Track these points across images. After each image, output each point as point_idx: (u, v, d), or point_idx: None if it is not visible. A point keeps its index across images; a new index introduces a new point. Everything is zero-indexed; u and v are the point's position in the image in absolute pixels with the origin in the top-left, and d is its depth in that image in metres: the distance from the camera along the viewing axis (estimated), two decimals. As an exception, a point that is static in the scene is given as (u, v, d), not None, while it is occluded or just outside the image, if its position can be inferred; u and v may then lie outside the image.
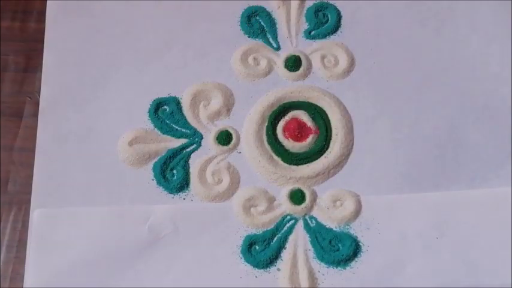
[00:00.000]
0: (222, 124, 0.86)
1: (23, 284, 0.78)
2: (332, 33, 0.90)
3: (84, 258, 0.78)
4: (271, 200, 0.81)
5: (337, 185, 0.83)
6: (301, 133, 0.85)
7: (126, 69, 0.88)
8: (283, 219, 0.81)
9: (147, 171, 0.83)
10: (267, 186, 0.82)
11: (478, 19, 0.90)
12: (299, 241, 0.80)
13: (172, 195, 0.82)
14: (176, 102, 0.86)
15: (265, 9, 0.91)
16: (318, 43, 0.90)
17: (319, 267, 0.78)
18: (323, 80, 0.88)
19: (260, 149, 0.84)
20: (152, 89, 0.87)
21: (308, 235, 0.80)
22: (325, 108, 0.86)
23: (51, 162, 0.83)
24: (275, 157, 0.84)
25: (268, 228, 0.80)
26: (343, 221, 0.80)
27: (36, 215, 0.80)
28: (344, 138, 0.84)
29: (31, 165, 0.83)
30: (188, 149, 0.84)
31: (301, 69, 0.88)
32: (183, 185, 0.83)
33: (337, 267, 0.78)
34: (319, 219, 0.80)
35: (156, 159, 0.84)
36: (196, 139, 0.84)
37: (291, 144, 0.84)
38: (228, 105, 0.86)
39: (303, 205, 0.81)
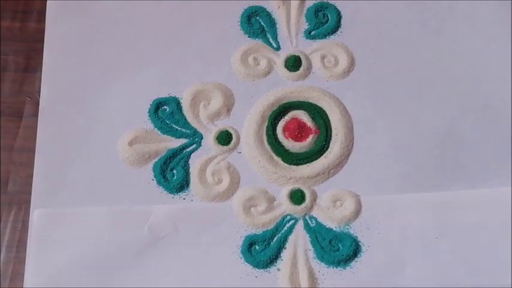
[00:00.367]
0: (222, 124, 0.86)
1: (23, 284, 0.78)
2: (332, 33, 0.90)
3: (84, 258, 0.78)
4: (271, 200, 0.81)
5: (337, 185, 0.83)
6: (301, 133, 0.85)
7: (126, 69, 0.88)
8: (283, 219, 0.81)
9: (147, 171, 0.83)
10: (267, 186, 0.82)
11: (478, 19, 0.90)
12: (299, 241, 0.80)
13: (172, 195, 0.82)
14: (176, 102, 0.86)
15: (265, 9, 0.91)
16: (318, 43, 0.90)
17: (319, 267, 0.78)
18: (323, 80, 0.88)
19: (260, 149, 0.84)
20: (152, 89, 0.87)
21: (308, 235, 0.80)
22: (325, 108, 0.86)
23: (51, 162, 0.83)
24: (275, 157, 0.84)
25: (268, 228, 0.80)
26: (343, 221, 0.80)
27: (36, 215, 0.80)
28: (344, 138, 0.84)
29: (31, 165, 0.83)
30: (188, 149, 0.84)
31: (301, 69, 0.88)
32: (183, 185, 0.82)
33: (337, 267, 0.78)
34: (319, 219, 0.80)
35: (156, 159, 0.84)
36: (196, 139, 0.84)
37: (291, 144, 0.84)
38: (228, 105, 0.86)
39: (303, 205, 0.81)
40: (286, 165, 0.84)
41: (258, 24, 0.90)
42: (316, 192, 0.82)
